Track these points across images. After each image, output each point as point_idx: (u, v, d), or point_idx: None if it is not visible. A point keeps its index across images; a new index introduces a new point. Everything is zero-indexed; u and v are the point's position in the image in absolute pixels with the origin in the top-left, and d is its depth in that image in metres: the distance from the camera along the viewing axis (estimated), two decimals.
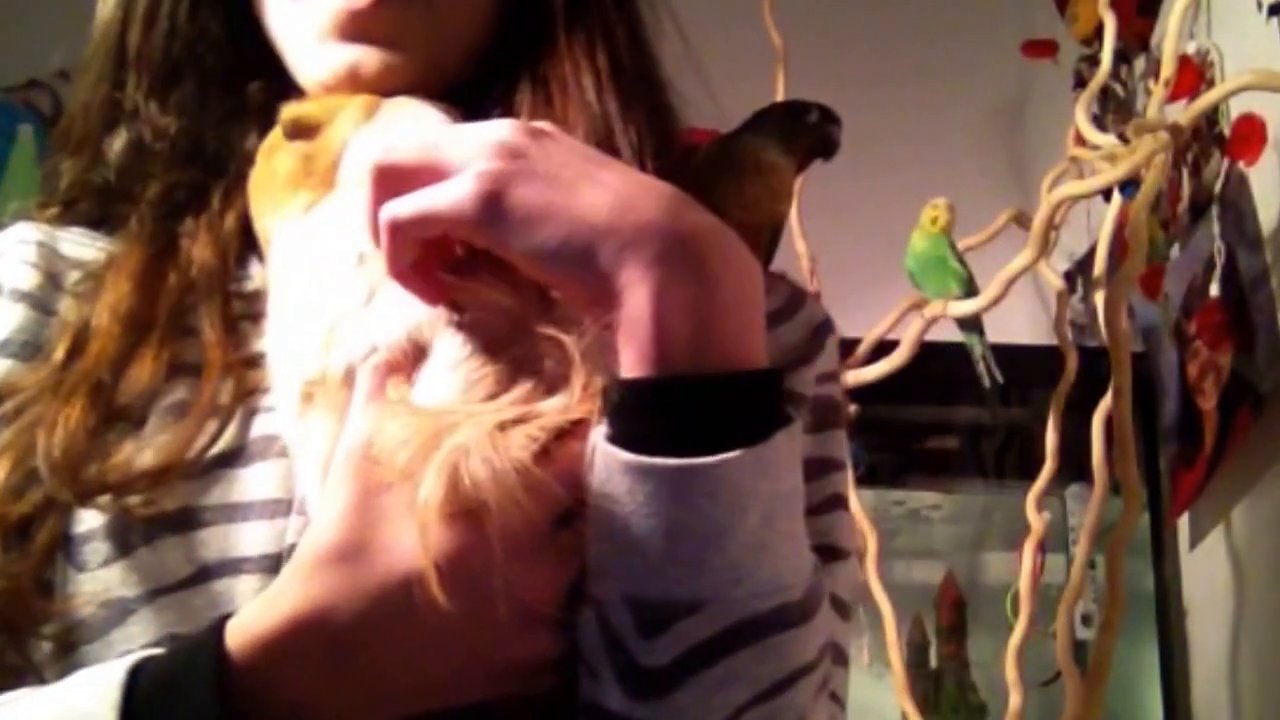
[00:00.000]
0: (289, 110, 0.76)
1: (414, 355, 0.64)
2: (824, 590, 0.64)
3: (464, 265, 0.65)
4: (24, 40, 2.38)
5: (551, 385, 0.62)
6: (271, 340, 0.71)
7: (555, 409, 0.61)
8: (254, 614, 0.61)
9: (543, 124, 0.67)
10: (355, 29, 0.78)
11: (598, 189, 0.62)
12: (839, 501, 0.80)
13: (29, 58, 2.40)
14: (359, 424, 0.63)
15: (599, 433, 0.60)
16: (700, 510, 0.58)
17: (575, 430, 0.61)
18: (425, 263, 0.65)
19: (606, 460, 0.59)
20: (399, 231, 0.63)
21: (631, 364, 0.60)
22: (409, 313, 0.65)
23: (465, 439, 0.59)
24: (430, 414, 0.61)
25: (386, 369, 0.64)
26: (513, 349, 0.63)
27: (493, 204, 0.61)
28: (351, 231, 0.67)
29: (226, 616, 0.61)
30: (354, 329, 0.66)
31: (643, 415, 0.59)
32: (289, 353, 0.68)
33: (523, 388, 0.62)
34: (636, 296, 0.60)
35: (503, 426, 0.60)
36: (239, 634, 0.60)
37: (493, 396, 0.62)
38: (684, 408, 0.59)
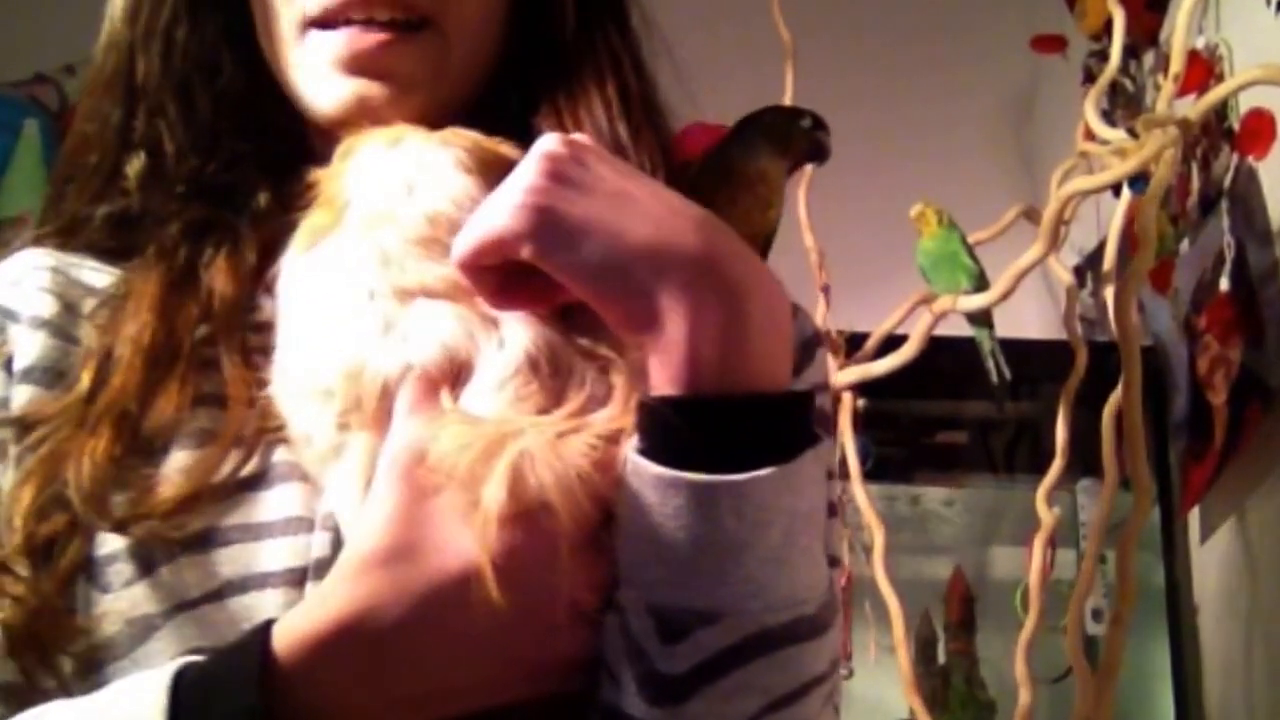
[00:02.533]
0: (340, 149, 0.76)
1: (451, 371, 0.66)
2: (838, 605, 0.65)
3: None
4: (30, 35, 2.40)
5: (598, 401, 0.64)
6: (281, 377, 0.72)
7: (606, 419, 0.63)
8: (300, 616, 0.62)
9: (582, 137, 0.68)
10: (365, 65, 0.79)
11: (635, 209, 0.63)
12: (830, 509, 0.81)
13: (35, 52, 2.41)
14: (406, 431, 0.64)
15: (631, 445, 0.61)
16: (724, 525, 0.59)
17: (620, 439, 0.63)
18: (513, 287, 0.66)
19: (637, 472, 0.60)
20: (467, 268, 0.65)
21: (664, 382, 0.62)
22: (440, 332, 0.66)
23: (528, 444, 0.61)
24: (490, 422, 0.63)
25: (428, 382, 0.65)
26: (558, 367, 0.65)
27: (538, 215, 0.62)
28: (360, 270, 0.69)
29: (272, 621, 0.62)
30: (383, 353, 0.67)
31: (674, 431, 0.61)
32: (314, 388, 0.69)
33: (574, 402, 0.64)
34: (671, 319, 0.61)
35: (562, 434, 0.62)
36: (285, 635, 0.61)
37: (541, 413, 0.64)
38: (714, 426, 0.61)
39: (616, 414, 0.63)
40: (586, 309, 0.64)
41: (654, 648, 0.60)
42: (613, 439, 0.62)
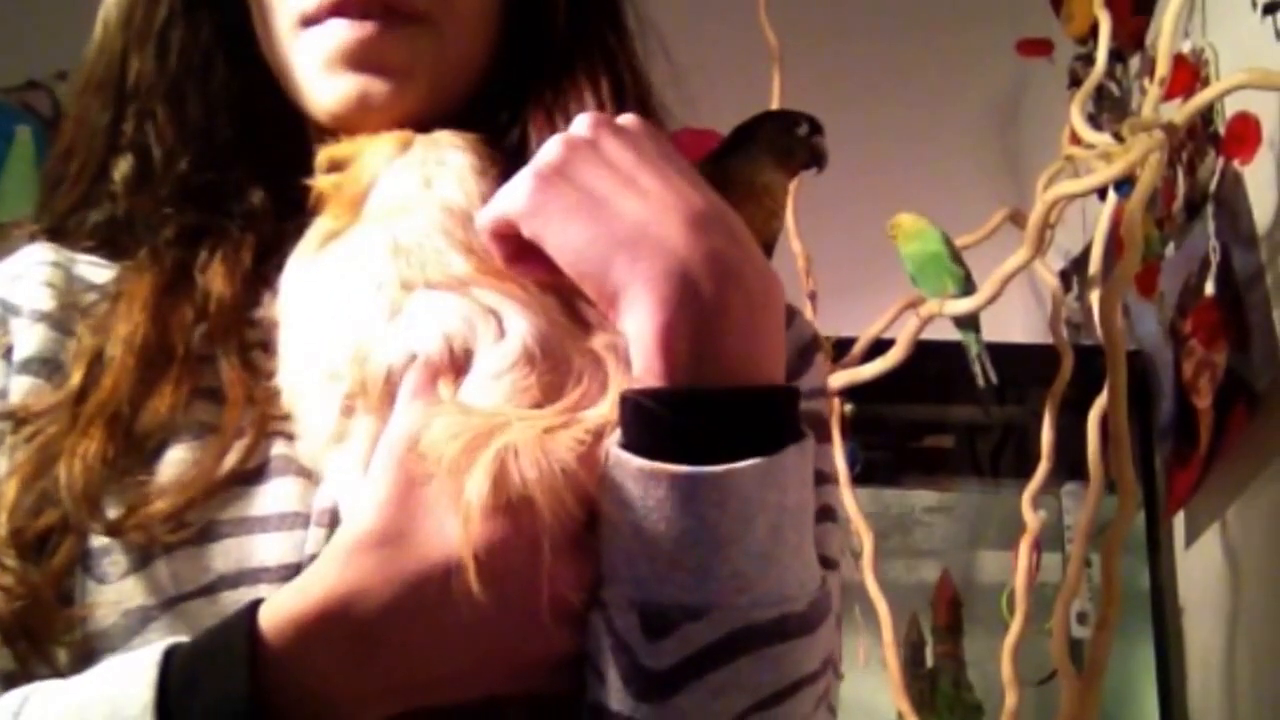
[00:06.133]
0: (324, 152, 0.78)
1: (453, 360, 0.66)
2: (830, 604, 0.65)
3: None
4: (22, 42, 2.38)
5: (593, 395, 0.64)
6: (288, 364, 0.72)
7: (598, 414, 0.63)
8: (288, 596, 0.62)
9: (626, 117, 0.69)
10: (363, 58, 0.79)
11: (632, 198, 0.64)
12: (828, 513, 0.82)
13: (27, 59, 2.40)
14: (405, 418, 0.64)
15: (613, 439, 0.61)
16: (707, 518, 0.59)
17: (609, 434, 0.63)
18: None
19: (619, 465, 0.60)
20: (487, 235, 0.68)
21: (641, 374, 0.62)
22: (443, 320, 0.67)
23: (515, 438, 0.61)
24: (480, 413, 0.63)
25: (431, 370, 0.66)
26: (557, 360, 0.66)
27: (537, 196, 0.64)
28: (372, 260, 0.70)
29: (259, 601, 0.62)
30: (388, 339, 0.67)
31: (655, 424, 0.60)
32: (320, 372, 0.69)
33: (570, 396, 0.64)
34: (644, 308, 0.62)
35: (550, 429, 0.62)
36: (272, 615, 0.61)
37: (537, 405, 0.64)
38: (694, 418, 0.60)
39: (609, 408, 0.63)
40: None
41: (639, 643, 0.60)
42: (602, 434, 0.62)
